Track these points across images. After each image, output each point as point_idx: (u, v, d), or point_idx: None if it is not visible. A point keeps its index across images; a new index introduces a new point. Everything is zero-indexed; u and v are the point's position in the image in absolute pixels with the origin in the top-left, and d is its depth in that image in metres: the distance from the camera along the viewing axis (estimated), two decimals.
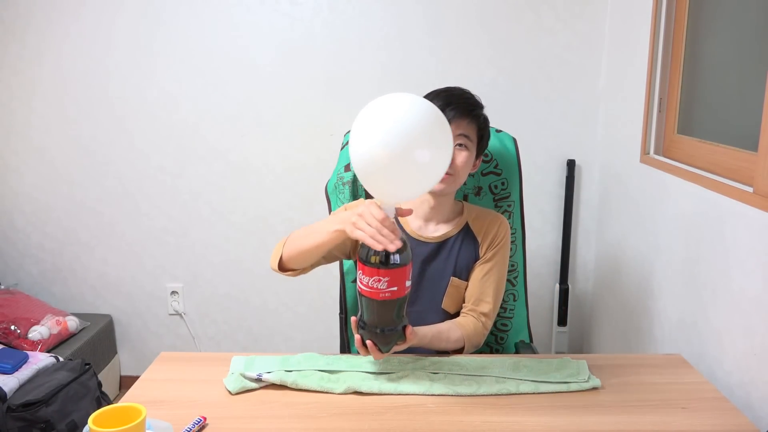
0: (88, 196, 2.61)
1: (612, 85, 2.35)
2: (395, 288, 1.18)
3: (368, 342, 1.25)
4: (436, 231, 1.50)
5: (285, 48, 2.45)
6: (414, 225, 1.50)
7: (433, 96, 1.42)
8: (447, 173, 1.38)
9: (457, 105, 1.40)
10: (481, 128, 1.45)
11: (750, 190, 1.41)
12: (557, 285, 2.60)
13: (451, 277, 1.49)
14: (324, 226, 1.31)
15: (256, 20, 2.43)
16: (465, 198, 1.69)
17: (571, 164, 2.49)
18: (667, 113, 1.96)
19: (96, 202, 2.61)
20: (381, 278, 1.17)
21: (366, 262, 1.18)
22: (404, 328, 1.25)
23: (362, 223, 1.17)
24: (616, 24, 2.32)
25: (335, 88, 2.46)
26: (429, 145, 1.15)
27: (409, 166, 1.14)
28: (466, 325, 1.45)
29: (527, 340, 1.73)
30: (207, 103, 2.50)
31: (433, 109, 1.17)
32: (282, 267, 1.40)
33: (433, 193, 1.45)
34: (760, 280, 1.33)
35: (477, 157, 1.47)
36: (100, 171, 2.58)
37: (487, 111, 1.47)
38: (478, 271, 1.49)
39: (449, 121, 1.29)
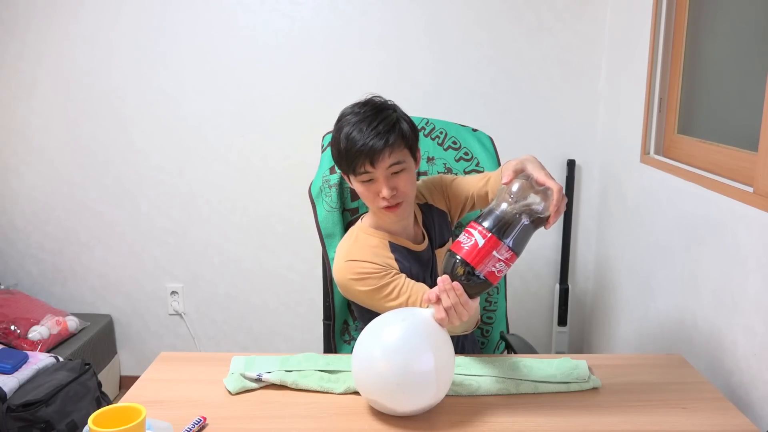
0: (88, 196, 2.61)
1: (612, 85, 2.35)
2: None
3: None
4: (420, 234, 1.51)
5: (285, 48, 2.45)
6: (410, 242, 1.47)
7: (337, 151, 1.34)
8: (397, 202, 1.34)
9: (364, 150, 1.29)
10: (406, 140, 1.34)
11: (750, 190, 1.41)
12: (557, 285, 2.60)
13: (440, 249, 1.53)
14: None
15: (256, 20, 2.43)
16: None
17: (571, 164, 2.49)
18: (667, 113, 1.96)
19: (96, 202, 2.61)
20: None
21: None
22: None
23: (457, 310, 1.13)
24: (616, 24, 2.32)
25: (335, 87, 2.46)
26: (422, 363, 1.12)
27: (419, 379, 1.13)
28: None
29: (506, 330, 1.78)
30: (207, 103, 2.50)
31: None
32: None
33: (400, 219, 1.41)
34: (760, 280, 1.33)
35: (414, 157, 1.40)
36: (100, 171, 2.58)
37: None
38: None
39: (371, 163, 1.28)
